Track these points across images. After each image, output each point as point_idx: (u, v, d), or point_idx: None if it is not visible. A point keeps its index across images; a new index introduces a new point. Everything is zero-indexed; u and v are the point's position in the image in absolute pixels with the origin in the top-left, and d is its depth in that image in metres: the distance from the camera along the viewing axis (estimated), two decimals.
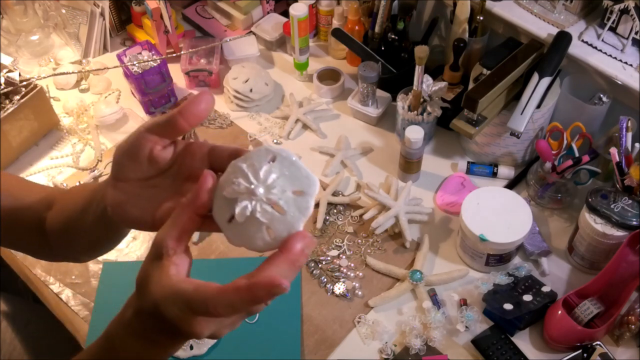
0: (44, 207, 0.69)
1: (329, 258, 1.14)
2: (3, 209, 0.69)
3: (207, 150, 0.55)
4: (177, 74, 1.42)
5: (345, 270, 1.12)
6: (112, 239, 0.67)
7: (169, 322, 0.50)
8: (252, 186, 0.50)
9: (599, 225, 1.02)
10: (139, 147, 0.54)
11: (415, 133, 1.16)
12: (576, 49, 1.14)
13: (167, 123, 0.53)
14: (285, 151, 0.52)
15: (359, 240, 1.17)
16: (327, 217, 1.19)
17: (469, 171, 1.25)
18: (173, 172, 0.56)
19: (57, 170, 1.29)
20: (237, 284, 0.47)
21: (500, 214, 1.06)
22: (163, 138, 0.54)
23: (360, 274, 1.12)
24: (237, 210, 0.50)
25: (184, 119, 0.52)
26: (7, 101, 1.26)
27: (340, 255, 1.14)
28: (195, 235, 1.15)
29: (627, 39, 1.13)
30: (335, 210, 1.21)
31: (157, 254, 0.51)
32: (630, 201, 1.03)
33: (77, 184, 1.24)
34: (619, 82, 1.11)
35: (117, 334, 0.55)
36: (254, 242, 0.51)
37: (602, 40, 1.14)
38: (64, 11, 1.47)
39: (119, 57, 1.34)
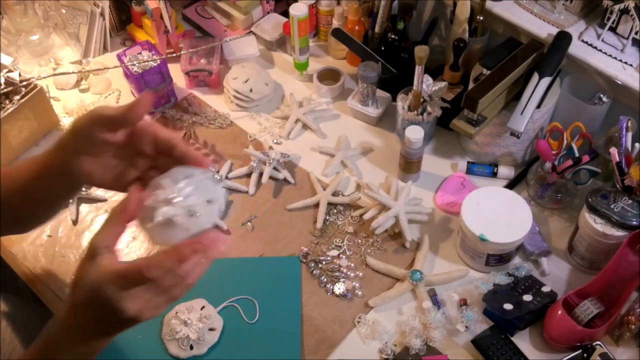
0: None
1: (329, 258, 1.14)
2: None
3: (152, 132, 0.71)
4: (177, 74, 1.42)
5: (345, 270, 1.12)
6: (70, 197, 0.80)
7: (102, 305, 0.61)
8: (170, 197, 0.64)
9: (599, 225, 1.02)
10: (93, 135, 0.68)
11: (415, 133, 1.16)
12: (576, 49, 1.14)
13: (115, 119, 0.68)
14: (198, 170, 0.69)
15: (359, 240, 1.17)
16: (327, 217, 1.20)
17: (469, 171, 1.26)
18: (128, 146, 0.71)
19: None
20: (164, 250, 0.63)
21: (500, 214, 1.06)
22: (112, 129, 0.68)
23: (360, 274, 1.12)
24: (159, 215, 0.63)
25: (129, 117, 0.67)
26: (7, 101, 1.26)
27: (340, 255, 1.14)
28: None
29: (627, 39, 1.13)
30: (335, 210, 1.21)
31: (91, 255, 0.63)
32: (630, 201, 1.03)
33: None
34: (619, 82, 1.11)
35: (53, 333, 0.65)
36: (172, 240, 0.64)
37: (602, 40, 1.15)
38: (64, 11, 1.47)
39: (119, 57, 1.34)
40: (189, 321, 1.01)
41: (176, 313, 1.03)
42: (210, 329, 1.02)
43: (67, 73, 1.41)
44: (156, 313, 0.64)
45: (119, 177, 0.73)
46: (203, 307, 1.04)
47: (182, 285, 0.64)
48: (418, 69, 1.17)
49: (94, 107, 0.72)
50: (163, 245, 0.65)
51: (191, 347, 1.01)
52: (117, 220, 0.64)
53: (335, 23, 1.45)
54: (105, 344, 0.67)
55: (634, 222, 1.00)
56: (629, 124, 1.07)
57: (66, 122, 1.37)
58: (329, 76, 1.44)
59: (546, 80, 1.10)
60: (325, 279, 1.11)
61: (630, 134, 1.08)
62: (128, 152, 0.72)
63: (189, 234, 0.64)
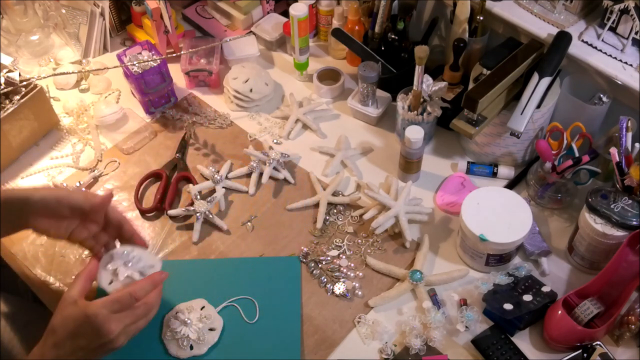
0: None
1: (329, 258, 1.14)
2: None
3: (103, 212, 0.96)
4: (177, 74, 1.42)
5: (345, 270, 1.12)
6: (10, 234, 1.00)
7: (87, 332, 0.81)
8: (117, 268, 0.96)
9: (599, 225, 1.02)
10: (57, 213, 0.93)
11: (415, 133, 1.16)
12: (576, 49, 1.14)
13: (80, 209, 0.94)
14: (142, 250, 1.00)
15: (359, 240, 1.17)
16: (327, 217, 1.20)
17: (469, 171, 1.26)
18: (79, 215, 0.95)
19: (57, 170, 1.29)
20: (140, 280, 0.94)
21: (500, 214, 1.06)
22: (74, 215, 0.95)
23: (360, 274, 1.12)
24: (122, 274, 0.96)
25: (95, 211, 0.95)
26: (7, 101, 1.26)
27: (340, 255, 1.14)
28: (195, 235, 1.16)
29: (627, 39, 1.13)
30: (335, 210, 1.21)
31: (67, 304, 0.84)
32: (630, 201, 1.03)
33: (77, 184, 1.24)
34: (619, 82, 1.11)
35: None
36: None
37: (602, 40, 1.15)
38: (64, 11, 1.47)
39: (119, 57, 1.34)
40: (189, 321, 1.01)
41: (176, 313, 1.03)
42: (210, 329, 1.02)
43: (67, 73, 1.41)
44: (123, 341, 0.86)
45: (71, 235, 0.95)
46: (203, 307, 1.04)
47: (146, 319, 0.89)
48: (418, 69, 1.17)
49: (64, 194, 0.93)
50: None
51: (191, 347, 1.00)
52: (83, 279, 0.89)
53: (335, 23, 1.45)
54: None
55: (634, 222, 1.00)
56: (629, 124, 1.07)
57: (66, 122, 1.37)
58: (329, 76, 1.44)
59: (546, 80, 1.10)
60: (325, 279, 1.11)
61: (630, 134, 1.08)
62: (80, 219, 0.95)
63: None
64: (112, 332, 0.82)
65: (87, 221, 0.95)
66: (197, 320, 1.02)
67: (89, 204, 0.92)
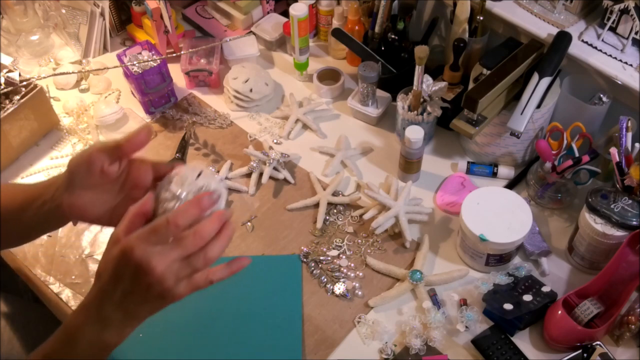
0: None
1: (329, 258, 1.14)
2: None
3: (150, 165, 0.74)
4: (177, 74, 1.42)
5: (345, 270, 1.12)
6: (51, 230, 0.87)
7: (130, 273, 0.64)
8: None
9: (599, 225, 1.02)
10: (92, 164, 0.70)
11: (415, 133, 1.16)
12: (576, 49, 1.14)
13: (114, 148, 0.70)
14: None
15: (359, 240, 1.17)
16: (327, 217, 1.20)
17: (469, 171, 1.26)
18: (121, 181, 0.74)
19: (57, 170, 1.29)
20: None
21: (500, 214, 1.06)
22: (110, 158, 0.71)
23: (360, 274, 1.12)
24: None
25: (128, 147, 0.70)
26: (7, 101, 1.26)
27: (340, 255, 1.14)
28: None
29: (627, 39, 1.13)
30: (335, 210, 1.21)
31: (112, 242, 0.66)
32: (630, 201, 1.03)
33: None
34: (619, 82, 1.11)
35: (75, 323, 0.67)
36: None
37: (602, 40, 1.15)
38: (64, 11, 1.47)
39: (119, 57, 1.34)
40: (182, 195, 0.71)
41: (168, 184, 0.73)
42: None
43: (67, 73, 1.41)
44: (183, 289, 0.66)
45: (112, 212, 0.75)
46: (200, 174, 0.73)
47: (204, 258, 0.66)
48: (418, 69, 1.17)
49: (93, 143, 0.76)
50: None
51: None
52: (134, 215, 0.68)
53: (335, 23, 1.45)
54: (126, 332, 0.68)
55: (634, 222, 1.00)
56: (629, 124, 1.07)
57: (66, 122, 1.37)
58: (329, 76, 1.44)
59: (546, 80, 1.10)
60: (326, 279, 1.11)
61: (630, 134, 1.08)
62: (123, 186, 0.75)
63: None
64: (155, 269, 0.63)
65: (128, 188, 0.75)
66: (193, 195, 0.72)
67: (119, 141, 0.71)
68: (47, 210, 0.75)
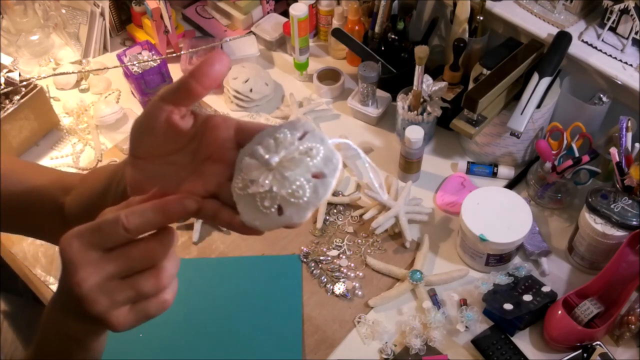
0: (61, 192, 0.65)
1: (329, 258, 1.14)
2: (14, 193, 0.66)
3: (233, 127, 0.50)
4: (177, 74, 1.42)
5: (345, 270, 1.12)
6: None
7: (63, 269, 0.46)
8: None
9: (599, 225, 1.02)
10: (153, 118, 0.49)
11: (415, 133, 1.16)
12: (576, 49, 1.14)
13: (180, 88, 0.48)
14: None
15: (359, 240, 1.17)
16: (327, 217, 1.20)
17: (469, 171, 1.26)
18: (193, 149, 0.51)
19: None
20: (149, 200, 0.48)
21: (500, 214, 1.06)
22: (179, 106, 0.49)
23: (360, 274, 1.12)
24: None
25: (198, 82, 0.47)
26: (7, 101, 1.26)
27: (340, 255, 1.14)
28: (196, 235, 1.16)
29: (627, 39, 1.13)
30: (335, 210, 1.21)
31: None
32: (630, 201, 1.03)
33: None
34: (619, 82, 1.11)
35: (46, 310, 0.53)
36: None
37: (602, 40, 1.14)
38: (64, 11, 1.47)
39: (119, 57, 1.34)
40: (274, 161, 0.46)
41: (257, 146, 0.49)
42: (315, 176, 0.48)
43: (67, 73, 1.41)
44: (116, 317, 0.47)
45: (179, 192, 0.50)
46: (305, 134, 0.49)
47: (155, 280, 0.47)
48: (418, 69, 1.17)
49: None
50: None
51: (280, 210, 0.47)
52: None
53: (335, 23, 1.45)
54: (88, 339, 0.52)
55: (634, 222, 1.00)
56: (629, 124, 1.07)
57: (66, 122, 1.37)
58: (329, 76, 1.44)
59: (546, 80, 1.10)
60: (326, 279, 1.11)
61: (630, 134, 1.08)
62: (196, 155, 0.51)
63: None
64: (83, 284, 0.45)
65: (199, 161, 0.51)
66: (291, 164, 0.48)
67: (192, 70, 0.48)
68: (122, 190, 0.55)
